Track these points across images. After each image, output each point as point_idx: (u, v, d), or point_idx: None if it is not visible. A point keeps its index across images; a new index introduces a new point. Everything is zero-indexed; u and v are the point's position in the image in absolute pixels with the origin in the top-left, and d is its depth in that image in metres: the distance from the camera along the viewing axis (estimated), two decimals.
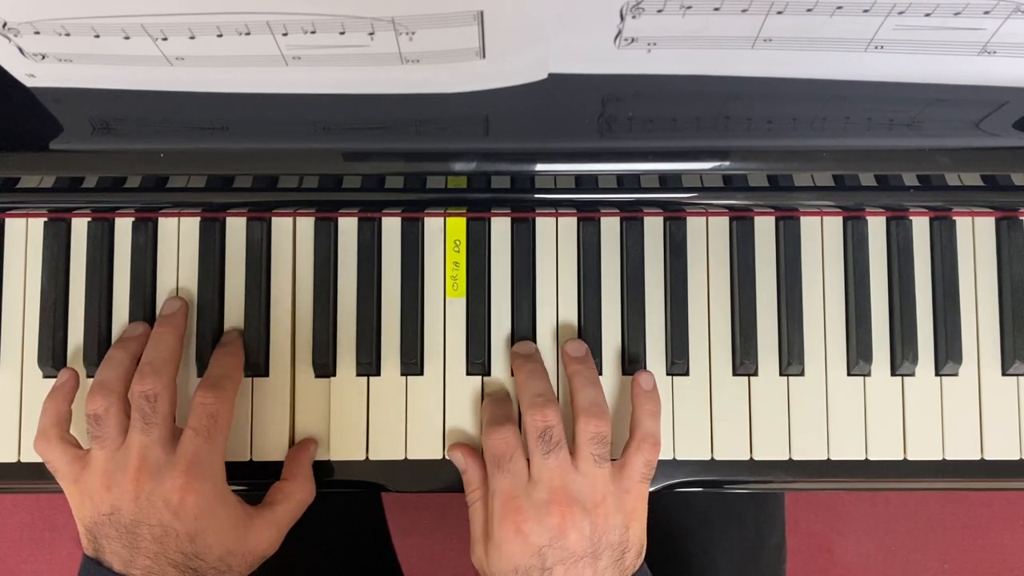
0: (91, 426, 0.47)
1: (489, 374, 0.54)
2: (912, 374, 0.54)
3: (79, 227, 0.54)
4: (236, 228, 0.54)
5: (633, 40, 0.44)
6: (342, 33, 0.43)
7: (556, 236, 0.55)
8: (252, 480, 0.53)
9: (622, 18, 0.43)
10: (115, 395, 0.48)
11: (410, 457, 0.53)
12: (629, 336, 0.54)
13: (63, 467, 0.48)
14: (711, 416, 0.54)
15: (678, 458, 0.54)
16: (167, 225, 0.54)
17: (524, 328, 0.54)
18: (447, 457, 0.53)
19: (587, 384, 0.51)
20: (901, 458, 0.54)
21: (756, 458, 0.54)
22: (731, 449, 0.54)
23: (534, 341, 0.54)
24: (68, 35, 0.43)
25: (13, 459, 0.53)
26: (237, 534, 0.47)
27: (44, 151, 0.49)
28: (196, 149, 0.49)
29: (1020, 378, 0.55)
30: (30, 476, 0.52)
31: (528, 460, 0.49)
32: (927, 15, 0.42)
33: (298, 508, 0.51)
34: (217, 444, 0.48)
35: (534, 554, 0.46)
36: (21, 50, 0.44)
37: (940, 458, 0.54)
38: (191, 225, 0.54)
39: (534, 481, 0.47)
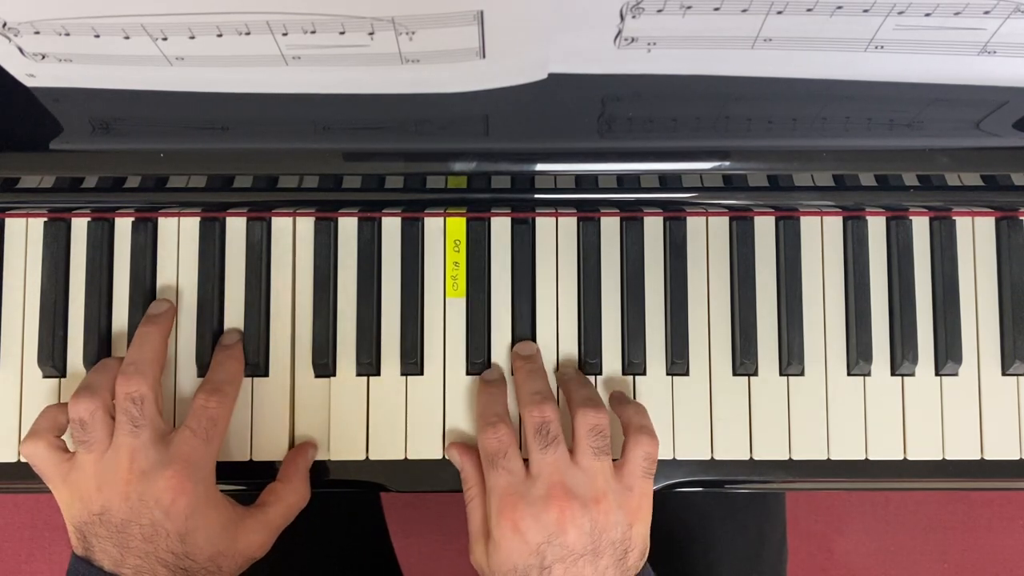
0: (76, 431, 0.47)
1: None
2: (912, 374, 0.54)
3: (79, 227, 0.54)
4: (236, 228, 0.54)
5: (633, 40, 0.44)
6: (342, 33, 0.43)
7: (556, 236, 0.55)
8: (251, 480, 0.53)
9: (622, 18, 0.43)
10: (100, 399, 0.48)
11: (410, 457, 0.53)
12: (629, 336, 0.54)
13: (49, 468, 0.48)
14: (711, 416, 0.54)
15: (678, 458, 0.54)
16: (167, 225, 0.54)
17: (524, 328, 0.54)
18: (446, 456, 0.53)
19: (581, 384, 0.51)
20: (901, 458, 0.54)
21: (756, 458, 0.54)
22: (731, 449, 0.54)
23: (534, 341, 0.54)
24: (68, 35, 0.43)
25: (13, 459, 0.53)
26: (227, 535, 0.47)
27: (44, 151, 0.49)
28: (196, 149, 0.49)
29: (1020, 378, 0.55)
30: (30, 476, 0.51)
31: (525, 459, 0.48)
32: (927, 15, 0.42)
33: (289, 511, 0.51)
34: (213, 447, 0.48)
35: (532, 552, 0.45)
36: (21, 50, 0.44)
37: (940, 458, 0.54)
38: (191, 225, 0.54)
39: (532, 477, 0.47)
